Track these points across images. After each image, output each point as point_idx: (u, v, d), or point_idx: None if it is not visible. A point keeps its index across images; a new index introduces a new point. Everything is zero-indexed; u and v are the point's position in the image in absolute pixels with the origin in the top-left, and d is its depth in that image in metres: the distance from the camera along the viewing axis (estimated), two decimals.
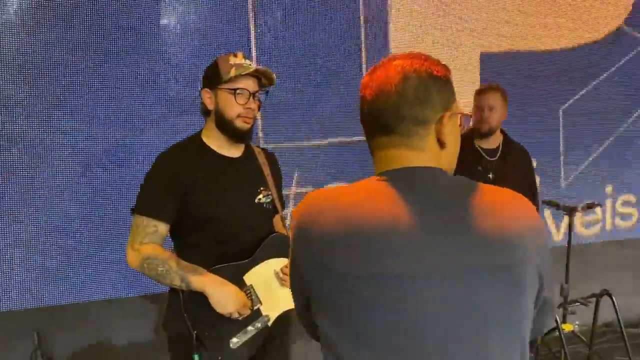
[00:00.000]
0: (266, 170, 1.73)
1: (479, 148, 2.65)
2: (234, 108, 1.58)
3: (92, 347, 2.59)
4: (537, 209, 2.72)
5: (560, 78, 3.57)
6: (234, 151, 1.67)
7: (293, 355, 1.80)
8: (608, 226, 3.80)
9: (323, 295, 0.86)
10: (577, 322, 3.01)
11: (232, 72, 1.57)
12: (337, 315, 0.84)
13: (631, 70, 3.76)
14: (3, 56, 2.37)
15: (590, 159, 3.76)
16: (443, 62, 0.93)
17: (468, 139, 2.65)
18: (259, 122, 2.82)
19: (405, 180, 0.87)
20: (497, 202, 0.87)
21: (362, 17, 3.07)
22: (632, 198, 3.85)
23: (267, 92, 1.67)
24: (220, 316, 1.55)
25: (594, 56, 3.66)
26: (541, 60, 3.52)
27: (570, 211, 2.91)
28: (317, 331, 0.89)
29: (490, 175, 2.61)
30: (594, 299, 2.96)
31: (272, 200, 1.72)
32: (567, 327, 2.90)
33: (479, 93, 2.65)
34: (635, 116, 3.85)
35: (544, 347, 2.77)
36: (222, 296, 1.54)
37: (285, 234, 1.75)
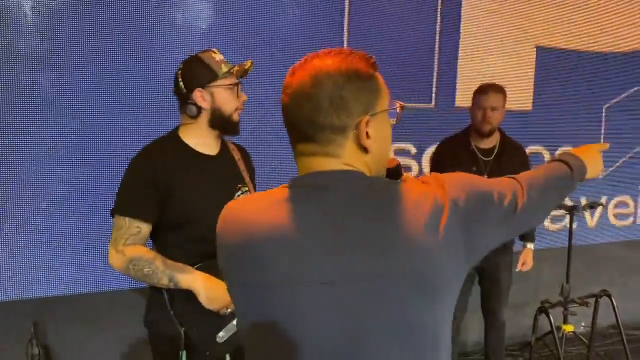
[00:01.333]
0: (242, 166, 1.74)
1: (475, 148, 2.60)
2: (233, 102, 1.60)
3: (87, 337, 2.57)
4: None
5: (608, 78, 3.65)
6: (213, 148, 1.66)
7: None
8: (639, 221, 3.90)
9: (232, 297, 0.87)
10: (582, 324, 2.98)
11: (224, 68, 1.58)
12: (240, 317, 0.87)
13: None
14: None
15: (628, 156, 3.82)
16: (367, 56, 0.86)
17: (465, 139, 2.62)
18: None
19: (305, 188, 0.84)
20: (402, 203, 0.81)
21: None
22: None
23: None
24: (207, 312, 1.54)
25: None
26: (591, 59, 3.62)
27: (570, 210, 2.88)
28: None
29: (485, 176, 2.56)
30: (593, 300, 2.94)
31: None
32: (568, 328, 2.87)
33: (481, 92, 2.55)
34: None
35: (545, 347, 2.78)
36: (211, 292, 1.53)
37: None
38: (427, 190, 0.82)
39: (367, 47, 2.95)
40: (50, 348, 2.49)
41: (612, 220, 3.80)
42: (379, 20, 3.02)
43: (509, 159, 2.60)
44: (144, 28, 2.45)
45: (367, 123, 0.82)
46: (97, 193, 2.45)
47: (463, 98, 3.12)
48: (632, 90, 3.71)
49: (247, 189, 1.71)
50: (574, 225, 3.00)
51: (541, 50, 3.43)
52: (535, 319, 2.85)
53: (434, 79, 3.20)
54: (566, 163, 1.02)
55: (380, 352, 0.77)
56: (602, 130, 3.68)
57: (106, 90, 2.41)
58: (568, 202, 3.33)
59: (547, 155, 3.57)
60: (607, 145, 1.15)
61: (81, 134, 2.40)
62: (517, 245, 2.81)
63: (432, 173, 0.91)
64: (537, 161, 3.50)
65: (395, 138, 3.22)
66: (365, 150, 0.83)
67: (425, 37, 3.15)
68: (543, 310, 2.79)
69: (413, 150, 3.18)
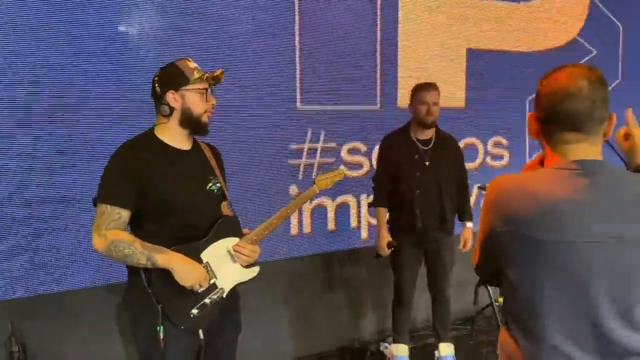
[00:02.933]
0: (212, 162, 1.89)
1: (415, 140, 2.90)
2: (202, 105, 1.77)
3: (63, 334, 2.64)
4: (467, 191, 3.05)
5: (530, 76, 4.00)
6: (185, 145, 1.82)
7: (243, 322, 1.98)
8: None
9: (513, 254, 1.08)
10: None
11: (196, 75, 1.75)
12: (516, 258, 1.08)
13: None
14: None
15: None
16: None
17: (406, 132, 2.93)
18: (298, 85, 3.18)
19: (588, 171, 1.06)
20: None
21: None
22: None
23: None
24: (182, 290, 1.70)
25: (555, 60, 4.01)
26: (514, 59, 4.02)
27: None
28: (501, 278, 1.13)
29: (427, 162, 2.87)
30: None
31: (220, 187, 1.88)
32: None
33: (423, 90, 2.85)
34: None
35: (485, 320, 2.96)
36: (186, 271, 1.69)
37: (233, 216, 1.90)
38: None
39: (319, 56, 3.24)
40: (29, 346, 2.57)
41: None
42: (329, 31, 3.26)
43: (444, 147, 2.95)
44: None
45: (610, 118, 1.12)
46: (75, 195, 2.55)
47: (404, 99, 3.42)
48: None
49: (218, 182, 1.87)
50: None
51: (471, 52, 3.79)
52: (476, 291, 3.11)
53: (378, 82, 3.50)
54: None
55: (629, 284, 1.02)
56: (526, 122, 4.08)
57: (86, 91, 2.54)
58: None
59: (480, 147, 3.95)
60: None
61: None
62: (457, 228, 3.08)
63: None
64: (472, 151, 3.89)
65: (347, 138, 3.53)
66: (605, 136, 1.13)
67: (368, 44, 3.43)
68: (483, 282, 3.06)
69: (363, 148, 3.44)
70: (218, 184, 1.87)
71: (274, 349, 3.25)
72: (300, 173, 3.24)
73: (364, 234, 3.48)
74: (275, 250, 3.21)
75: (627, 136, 1.27)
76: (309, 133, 3.29)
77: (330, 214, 3.40)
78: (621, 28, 4.49)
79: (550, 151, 1.13)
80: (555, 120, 1.10)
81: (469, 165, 3.82)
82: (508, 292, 1.12)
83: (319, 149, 3.33)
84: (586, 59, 4.31)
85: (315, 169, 3.29)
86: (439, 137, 2.95)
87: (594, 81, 1.08)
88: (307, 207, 3.31)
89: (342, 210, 3.45)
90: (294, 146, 3.24)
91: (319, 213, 3.36)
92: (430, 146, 2.91)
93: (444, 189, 2.90)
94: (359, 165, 3.47)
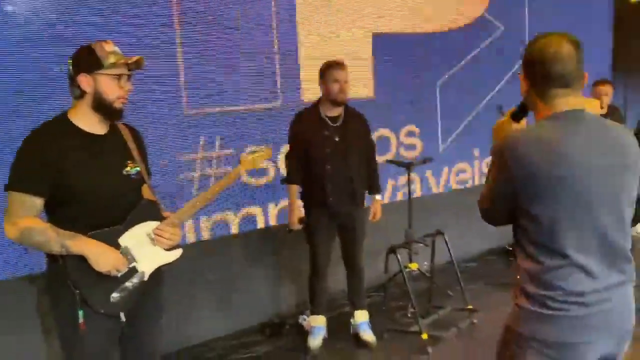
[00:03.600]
0: (131, 145, 1.87)
1: (325, 117, 2.99)
2: (115, 91, 1.74)
3: None
4: (376, 164, 3.18)
5: (437, 56, 4.03)
6: (101, 129, 1.80)
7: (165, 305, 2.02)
8: (476, 182, 4.45)
9: (537, 191, 1.36)
10: (425, 263, 3.51)
11: (111, 59, 1.72)
12: (539, 195, 1.36)
13: (491, 50, 4.33)
14: None
15: (462, 126, 4.25)
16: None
17: (315, 110, 3.00)
18: (183, 87, 2.96)
19: (576, 117, 1.39)
20: (617, 129, 1.46)
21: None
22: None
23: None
24: (101, 275, 1.72)
25: (463, 38, 4.17)
26: (422, 41, 3.95)
27: (408, 166, 3.40)
28: (517, 215, 1.41)
29: (337, 138, 2.97)
30: (431, 239, 3.43)
31: (139, 171, 1.87)
32: (413, 266, 3.39)
33: (335, 68, 2.93)
34: (497, 89, 4.40)
35: (396, 286, 3.17)
36: (99, 256, 1.70)
37: (153, 200, 1.91)
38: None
39: (205, 51, 2.81)
40: None
41: (454, 186, 4.18)
42: (215, 24, 2.90)
43: (353, 124, 3.04)
44: None
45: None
46: None
47: (309, 94, 3.14)
48: (458, 66, 4.12)
49: (137, 166, 1.85)
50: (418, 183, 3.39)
51: (377, 37, 3.57)
52: (387, 258, 3.29)
53: (278, 78, 3.19)
54: None
55: (621, 201, 1.40)
56: (439, 107, 3.98)
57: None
58: (405, 160, 3.77)
59: (393, 139, 3.76)
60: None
61: None
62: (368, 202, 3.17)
63: None
64: (385, 145, 3.69)
65: (250, 140, 3.19)
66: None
67: (264, 39, 3.11)
68: (392, 250, 3.23)
69: None
70: (138, 168, 1.86)
71: (191, 331, 3.21)
72: (195, 189, 2.85)
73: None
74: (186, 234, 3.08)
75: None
76: (201, 141, 2.89)
77: (234, 229, 3.08)
78: (527, 4, 4.58)
79: (543, 105, 1.42)
80: (548, 80, 1.39)
81: (380, 159, 3.65)
82: (529, 225, 1.40)
83: (214, 158, 2.95)
84: (494, 35, 4.25)
85: (212, 182, 2.91)
86: (348, 113, 3.03)
87: (577, 45, 1.38)
88: (206, 222, 2.97)
89: (247, 223, 3.14)
90: (184, 157, 2.83)
91: (220, 228, 3.03)
92: (339, 123, 2.99)
93: (354, 164, 3.01)
94: (263, 171, 3.15)
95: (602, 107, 4.07)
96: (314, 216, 3.00)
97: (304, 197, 3.06)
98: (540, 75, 1.38)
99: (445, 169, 4.13)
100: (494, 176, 1.42)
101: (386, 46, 3.67)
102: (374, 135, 3.69)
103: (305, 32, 3.31)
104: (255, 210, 3.23)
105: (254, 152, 2.06)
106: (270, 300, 3.53)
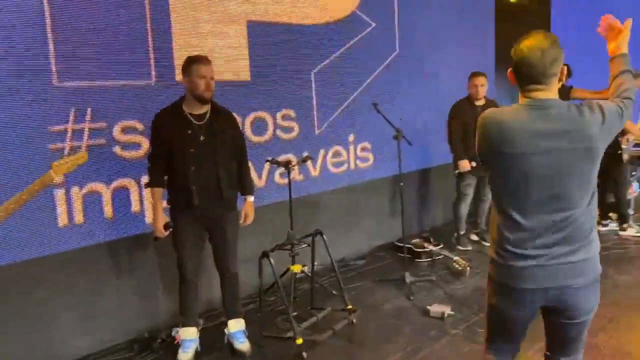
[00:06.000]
0: None
1: (188, 114, 2.80)
2: None
3: None
4: (247, 165, 3.05)
5: (311, 48, 4.15)
6: None
7: None
8: (352, 166, 4.59)
9: (491, 160, 1.72)
10: (316, 263, 3.50)
11: None
12: (497, 169, 1.71)
13: (363, 44, 4.55)
14: None
15: (337, 112, 4.41)
16: None
17: (178, 108, 2.80)
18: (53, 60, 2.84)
19: (539, 106, 1.65)
20: (582, 120, 1.66)
21: None
22: (368, 145, 4.70)
23: None
24: None
25: (336, 32, 4.33)
26: (297, 31, 4.02)
27: (286, 165, 3.27)
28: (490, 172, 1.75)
29: (202, 138, 2.79)
30: (311, 239, 3.35)
31: None
32: (296, 268, 3.24)
33: (200, 63, 2.74)
34: (369, 80, 4.64)
35: (283, 289, 3.05)
36: None
37: None
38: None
39: (76, 23, 2.86)
40: None
41: (332, 169, 4.39)
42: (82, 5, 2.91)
43: (220, 122, 2.87)
44: None
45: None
46: None
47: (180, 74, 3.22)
48: (334, 56, 4.28)
49: None
50: (301, 177, 3.45)
51: (252, 25, 3.71)
52: (260, 263, 3.10)
53: (151, 55, 3.25)
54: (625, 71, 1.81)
55: (568, 181, 1.64)
56: (314, 94, 4.23)
57: None
58: (283, 159, 3.75)
59: (270, 120, 3.97)
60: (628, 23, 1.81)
61: None
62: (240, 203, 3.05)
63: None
64: (262, 125, 3.90)
65: (120, 116, 3.25)
66: (559, 83, 1.71)
67: (135, 12, 3.14)
68: (264, 255, 3.06)
69: (140, 127, 3.20)
70: None
71: (52, 350, 2.94)
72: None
73: (149, 218, 3.31)
74: (41, 247, 2.88)
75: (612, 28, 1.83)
76: (72, 113, 2.95)
77: (107, 200, 3.15)
78: (396, 2, 4.80)
79: (522, 96, 1.71)
80: (520, 79, 1.69)
81: (259, 139, 3.87)
82: (490, 185, 1.78)
83: (86, 130, 3.02)
84: (365, 32, 4.53)
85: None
86: (215, 111, 2.87)
87: (546, 49, 1.62)
88: (78, 194, 3.02)
89: (121, 195, 3.22)
90: (55, 128, 2.88)
91: (91, 201, 3.08)
92: (204, 121, 2.82)
93: (221, 164, 2.84)
94: (137, 145, 3.25)
95: (478, 98, 4.39)
96: (180, 220, 2.83)
97: (170, 200, 2.89)
98: (516, 74, 1.69)
99: (322, 152, 4.27)
100: (476, 142, 1.75)
101: (261, 33, 3.72)
102: (250, 118, 3.73)
103: (179, 11, 3.25)
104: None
105: (69, 156, 2.08)
106: (142, 313, 3.30)
